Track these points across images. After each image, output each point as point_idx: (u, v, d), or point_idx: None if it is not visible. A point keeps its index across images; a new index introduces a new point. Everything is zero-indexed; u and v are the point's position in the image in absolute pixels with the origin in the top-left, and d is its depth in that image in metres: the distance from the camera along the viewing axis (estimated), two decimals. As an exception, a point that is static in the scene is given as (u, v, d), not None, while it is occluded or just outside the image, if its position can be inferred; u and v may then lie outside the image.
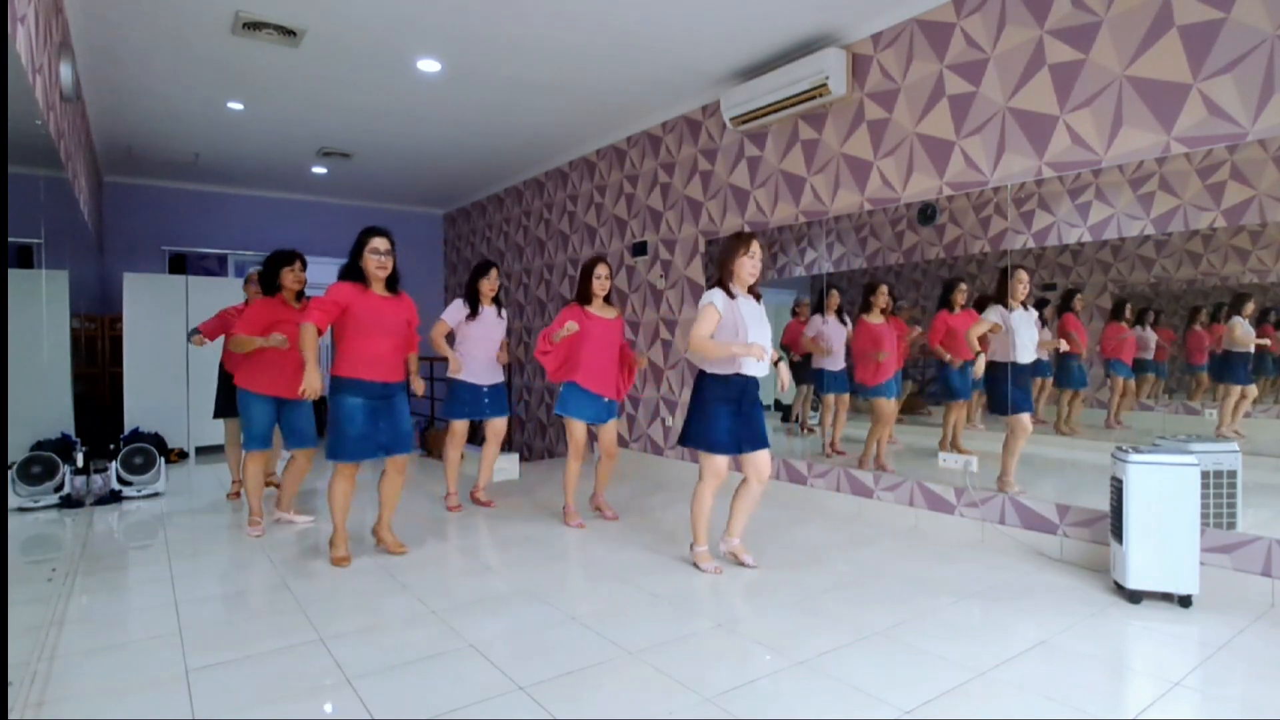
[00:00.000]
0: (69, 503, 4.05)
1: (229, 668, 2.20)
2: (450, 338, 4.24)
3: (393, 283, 3.24)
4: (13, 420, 2.02)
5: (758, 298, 3.15)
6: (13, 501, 3.48)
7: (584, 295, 3.87)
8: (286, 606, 2.72)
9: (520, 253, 7.55)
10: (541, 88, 4.91)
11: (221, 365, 4.50)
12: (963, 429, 3.88)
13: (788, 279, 4.66)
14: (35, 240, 2.80)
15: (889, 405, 4.13)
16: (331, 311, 3.06)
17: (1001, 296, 3.51)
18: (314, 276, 7.19)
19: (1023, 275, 3.45)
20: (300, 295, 3.85)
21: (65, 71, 3.39)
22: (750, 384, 3.07)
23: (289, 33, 4.02)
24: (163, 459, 4.83)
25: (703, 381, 3.11)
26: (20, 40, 2.37)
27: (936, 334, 3.87)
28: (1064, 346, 3.44)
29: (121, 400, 6.11)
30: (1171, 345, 3.14)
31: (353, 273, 3.15)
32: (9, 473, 3.21)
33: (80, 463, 4.22)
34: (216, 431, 6.51)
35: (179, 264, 7.71)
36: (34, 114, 2.64)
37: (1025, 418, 3.48)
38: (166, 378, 6.29)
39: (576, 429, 3.85)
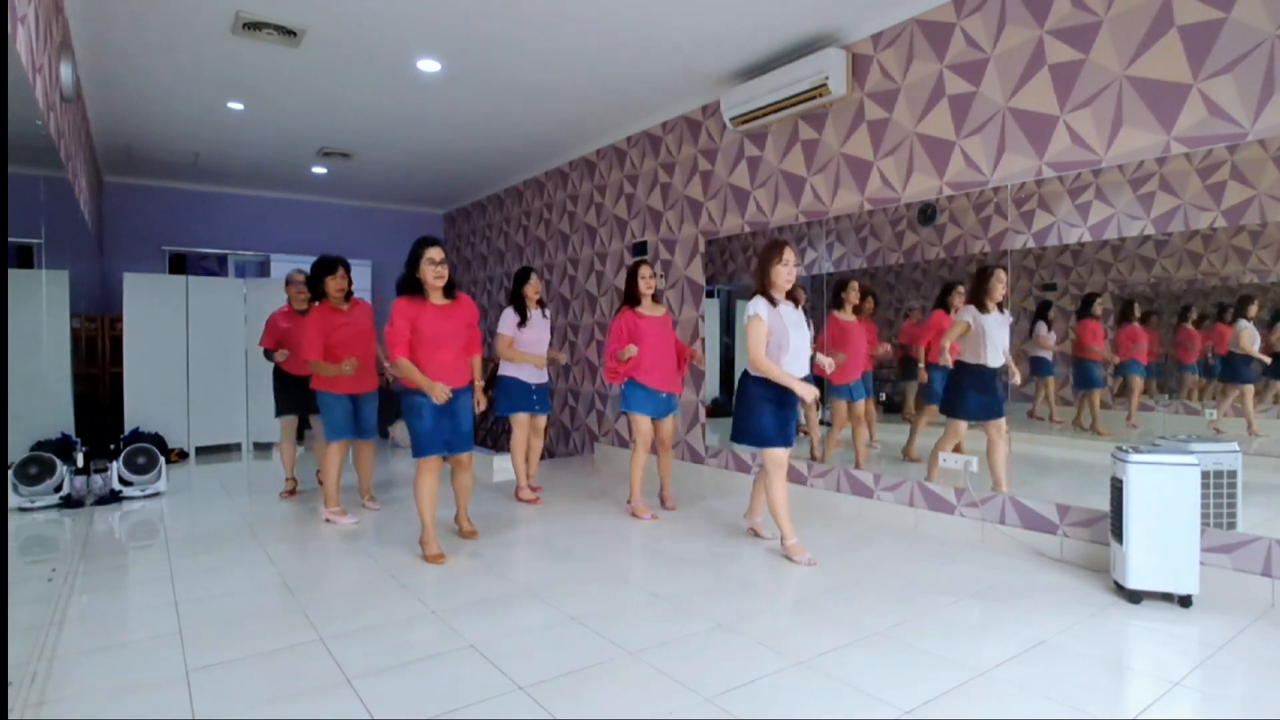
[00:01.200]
0: (69, 503, 4.05)
1: (229, 668, 2.20)
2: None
3: (450, 289, 3.34)
4: (12, 420, 2.02)
5: (797, 303, 3.31)
6: (12, 501, 3.48)
7: (632, 297, 4.07)
8: (286, 606, 2.72)
9: (520, 253, 7.55)
10: (541, 88, 4.91)
11: (278, 367, 4.64)
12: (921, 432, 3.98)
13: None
14: (35, 240, 2.80)
15: (852, 407, 4.21)
16: (405, 333, 3.19)
17: (977, 297, 3.53)
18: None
19: (1000, 276, 3.46)
20: (348, 296, 4.04)
21: (65, 71, 3.39)
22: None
23: (289, 33, 4.02)
24: (163, 459, 4.83)
25: (747, 382, 3.31)
26: (20, 40, 2.37)
27: (927, 334, 3.90)
28: (1109, 356, 3.35)
29: (121, 400, 6.12)
30: (1175, 346, 3.14)
31: (411, 285, 3.25)
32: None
33: (80, 463, 4.22)
34: (216, 431, 6.53)
35: (179, 264, 7.71)
36: (34, 114, 2.64)
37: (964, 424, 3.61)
38: (166, 378, 6.29)
39: (642, 424, 4.04)
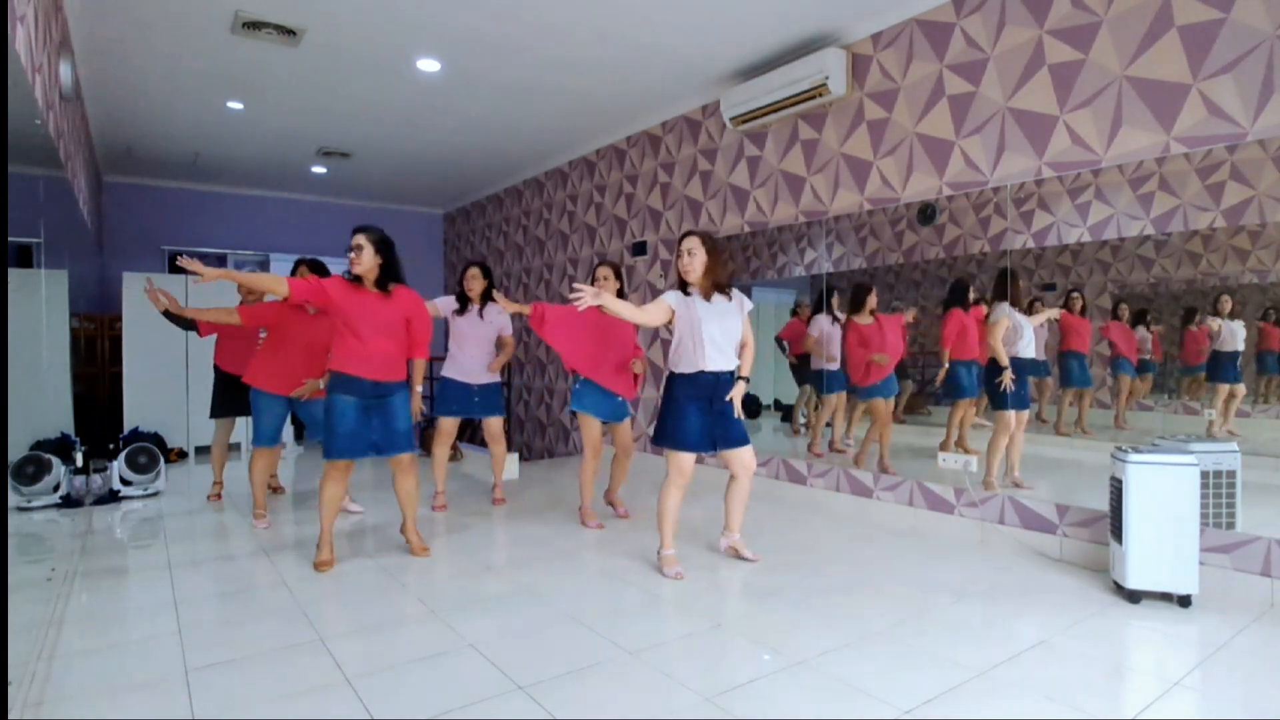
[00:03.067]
0: (68, 502, 4.05)
1: (229, 668, 2.20)
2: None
3: (383, 282, 3.11)
4: (12, 420, 2.02)
5: (727, 294, 3.06)
6: (11, 501, 3.48)
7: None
8: (286, 606, 2.72)
9: (520, 253, 7.55)
10: (541, 88, 4.91)
11: (216, 366, 4.42)
12: (969, 427, 3.88)
13: (788, 279, 4.66)
14: (35, 240, 2.80)
15: (884, 405, 4.14)
16: (311, 286, 2.99)
17: (1002, 294, 3.52)
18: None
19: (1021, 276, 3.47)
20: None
21: (65, 71, 3.39)
22: (721, 381, 3.03)
23: (289, 32, 4.02)
24: (163, 458, 4.83)
25: (671, 381, 3.09)
26: (20, 40, 2.37)
27: (951, 332, 3.83)
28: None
29: (121, 400, 6.11)
30: (1167, 345, 3.15)
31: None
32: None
33: (80, 462, 4.22)
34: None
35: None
36: (34, 114, 2.64)
37: (1014, 414, 3.53)
38: (166, 377, 6.28)
39: (591, 426, 3.81)
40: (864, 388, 4.20)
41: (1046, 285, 3.42)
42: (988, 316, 3.61)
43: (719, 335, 2.99)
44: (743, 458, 3.10)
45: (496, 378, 4.29)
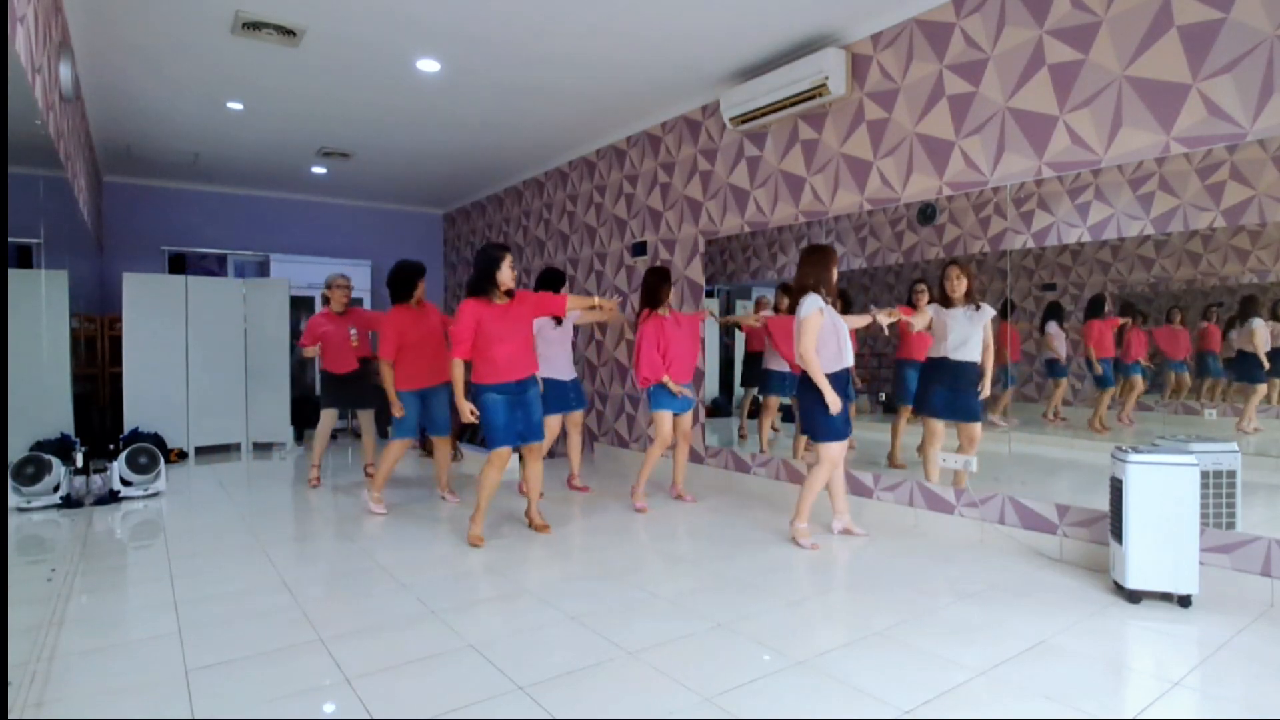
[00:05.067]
0: (68, 503, 4.05)
1: (229, 668, 2.20)
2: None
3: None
4: (12, 420, 2.02)
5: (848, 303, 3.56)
6: (11, 501, 3.48)
7: (654, 302, 4.27)
8: (286, 606, 2.72)
9: (520, 253, 7.55)
10: (541, 88, 4.91)
11: (323, 368, 5.10)
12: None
13: (788, 279, 4.65)
14: (35, 240, 2.80)
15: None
16: (470, 331, 3.45)
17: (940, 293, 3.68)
18: (316, 276, 7.22)
19: (953, 271, 3.59)
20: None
21: (64, 71, 3.39)
22: (848, 377, 3.44)
23: (289, 33, 4.01)
24: (163, 459, 4.83)
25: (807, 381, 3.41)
26: (20, 40, 2.37)
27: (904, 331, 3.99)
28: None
29: (121, 400, 6.11)
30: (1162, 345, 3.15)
31: (479, 287, 3.51)
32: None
33: (80, 463, 4.22)
34: (215, 431, 6.53)
35: (179, 264, 7.71)
36: (34, 114, 2.64)
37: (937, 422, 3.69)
38: (166, 378, 6.28)
39: (664, 421, 4.24)
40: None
41: (1046, 285, 3.42)
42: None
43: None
44: (835, 450, 3.45)
45: (576, 373, 4.78)
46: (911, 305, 3.90)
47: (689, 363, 4.33)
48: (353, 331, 4.95)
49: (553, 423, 4.57)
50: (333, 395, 5.05)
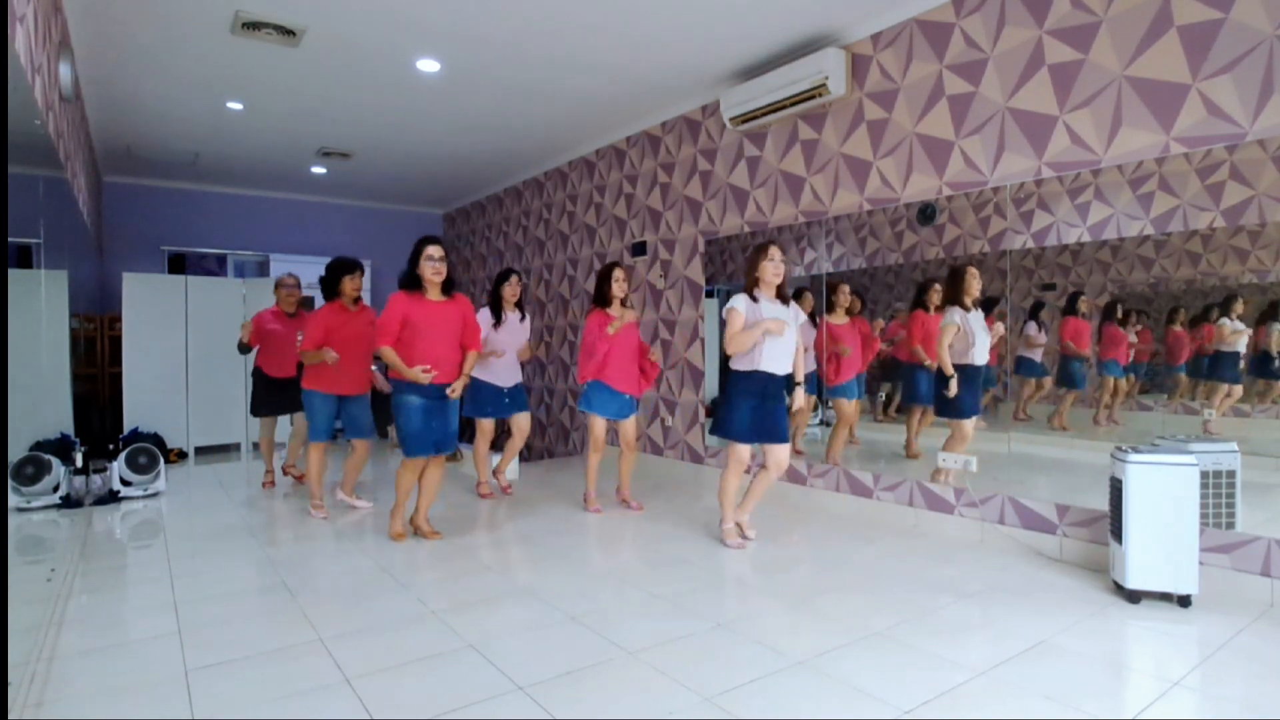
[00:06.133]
0: (68, 503, 4.05)
1: (229, 668, 2.20)
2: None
3: (448, 286, 3.45)
4: (11, 421, 2.02)
5: (785, 301, 3.39)
6: (11, 501, 3.48)
7: (603, 299, 4.05)
8: (286, 606, 2.72)
9: (520, 253, 7.55)
10: (541, 87, 4.91)
11: (258, 369, 4.82)
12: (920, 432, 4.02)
13: (788, 279, 4.65)
14: (34, 240, 2.80)
15: (849, 406, 4.25)
16: (395, 324, 3.30)
17: (957, 297, 3.58)
18: (316, 276, 7.26)
19: (973, 273, 3.54)
20: (356, 299, 4.14)
21: (64, 71, 3.39)
22: (772, 382, 3.33)
23: (289, 33, 4.01)
24: (163, 459, 4.83)
25: (731, 378, 3.40)
26: (19, 40, 2.37)
27: (914, 336, 3.92)
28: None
29: (120, 400, 6.11)
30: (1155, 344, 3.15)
31: (410, 281, 3.38)
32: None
33: (79, 463, 4.22)
34: (215, 431, 6.54)
35: (178, 264, 7.71)
36: (33, 114, 2.64)
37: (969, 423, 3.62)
38: (165, 378, 6.29)
39: (597, 425, 4.09)
40: (830, 387, 4.30)
41: (1046, 285, 3.42)
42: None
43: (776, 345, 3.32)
44: (778, 453, 3.40)
45: (521, 379, 4.56)
46: (924, 308, 3.85)
47: (629, 370, 4.05)
48: (300, 336, 4.44)
49: (486, 425, 4.49)
50: (268, 401, 4.78)
